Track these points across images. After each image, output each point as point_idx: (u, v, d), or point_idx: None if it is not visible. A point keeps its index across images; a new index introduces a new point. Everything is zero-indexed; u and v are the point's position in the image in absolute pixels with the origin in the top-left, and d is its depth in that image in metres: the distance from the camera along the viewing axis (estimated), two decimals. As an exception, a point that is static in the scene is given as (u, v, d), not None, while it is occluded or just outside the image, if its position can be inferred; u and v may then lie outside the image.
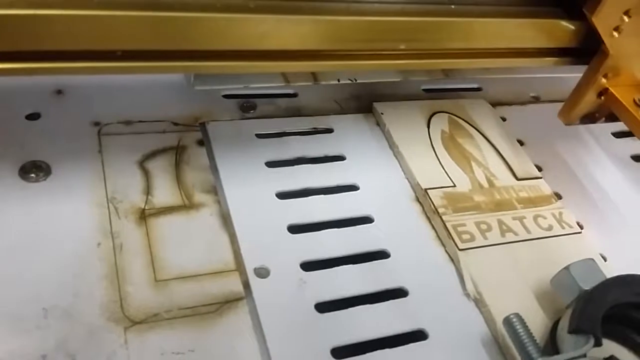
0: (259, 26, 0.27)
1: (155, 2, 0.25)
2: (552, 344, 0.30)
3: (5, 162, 0.33)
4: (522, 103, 0.49)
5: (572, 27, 0.36)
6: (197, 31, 0.26)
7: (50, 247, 0.30)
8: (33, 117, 0.37)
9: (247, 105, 0.42)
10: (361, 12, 0.32)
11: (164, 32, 0.26)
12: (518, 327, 0.29)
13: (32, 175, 0.33)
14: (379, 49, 0.34)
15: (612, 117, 0.40)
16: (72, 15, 0.24)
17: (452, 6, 0.34)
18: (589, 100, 0.38)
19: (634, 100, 0.38)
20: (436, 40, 0.34)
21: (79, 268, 0.30)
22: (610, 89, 0.38)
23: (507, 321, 0.29)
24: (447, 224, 0.36)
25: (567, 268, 0.31)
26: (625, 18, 0.35)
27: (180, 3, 0.27)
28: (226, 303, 0.30)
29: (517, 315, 0.29)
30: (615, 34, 0.35)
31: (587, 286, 0.30)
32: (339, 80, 0.44)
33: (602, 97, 0.38)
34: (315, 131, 0.41)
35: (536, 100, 0.50)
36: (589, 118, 0.40)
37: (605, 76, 0.37)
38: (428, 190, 0.37)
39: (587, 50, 0.38)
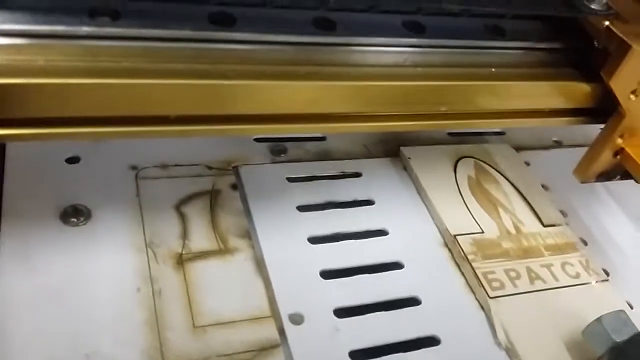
0: (306, 92, 0.28)
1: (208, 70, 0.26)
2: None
3: (47, 206, 0.34)
4: (545, 147, 0.50)
5: (589, 88, 0.36)
6: (250, 97, 0.27)
7: (91, 292, 0.31)
8: (73, 161, 0.38)
9: (277, 149, 0.43)
10: (401, 77, 0.33)
11: (219, 98, 0.26)
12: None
13: (73, 219, 0.34)
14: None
15: (627, 175, 0.40)
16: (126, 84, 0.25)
17: (469, 69, 0.34)
18: (605, 159, 0.39)
19: None
20: (458, 103, 0.35)
21: (119, 313, 0.30)
22: (626, 148, 0.38)
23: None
24: (477, 271, 0.36)
25: (599, 320, 0.32)
26: None
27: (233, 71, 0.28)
28: (262, 350, 0.31)
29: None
30: (632, 97, 0.35)
31: (619, 338, 0.31)
32: (367, 125, 0.45)
33: (618, 157, 0.38)
34: (344, 175, 0.42)
35: (558, 144, 0.51)
36: (605, 176, 0.40)
37: (621, 136, 0.37)
38: (457, 237, 0.38)
39: (603, 110, 0.38)
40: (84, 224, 0.34)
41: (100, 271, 0.32)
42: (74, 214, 0.34)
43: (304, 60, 0.29)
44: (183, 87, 0.25)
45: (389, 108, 0.30)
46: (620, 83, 0.34)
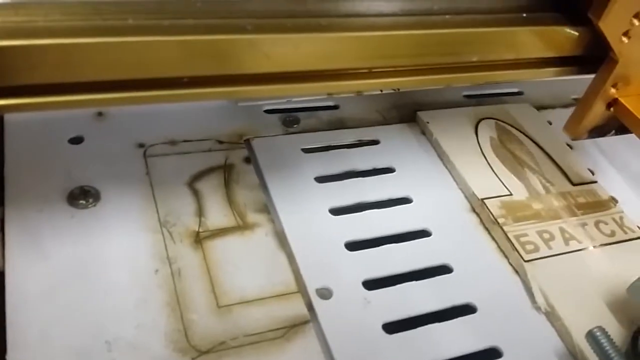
0: (303, 45, 0.26)
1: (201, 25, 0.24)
2: (634, 354, 0.29)
3: (53, 189, 0.32)
4: (565, 106, 0.48)
5: (576, 33, 0.33)
6: (246, 55, 0.25)
7: (107, 276, 0.29)
8: (76, 141, 0.36)
9: (289, 119, 0.41)
10: (406, 26, 0.31)
11: (217, 56, 0.24)
12: (603, 341, 0.27)
13: (82, 201, 0.32)
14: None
15: (622, 130, 0.37)
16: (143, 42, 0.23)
17: (447, 16, 0.32)
18: (597, 112, 0.35)
19: None
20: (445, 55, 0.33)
21: (138, 297, 0.29)
22: (620, 99, 0.35)
23: (591, 335, 0.28)
24: (508, 234, 0.34)
25: (644, 276, 0.30)
26: (636, 21, 0.32)
27: (231, 25, 0.26)
28: (292, 327, 0.29)
29: (601, 328, 0.28)
30: (625, 39, 0.32)
31: (667, 293, 0.29)
32: (381, 91, 0.43)
33: (612, 109, 0.35)
34: (361, 143, 0.40)
35: (577, 102, 0.49)
36: (598, 131, 0.37)
37: (614, 86, 0.34)
38: (485, 200, 0.36)
39: (593, 58, 0.35)
40: (93, 206, 0.32)
41: (114, 254, 0.30)
42: (82, 196, 0.32)
43: (318, 12, 0.27)
44: (196, 44, 0.23)
45: (392, 61, 0.28)
46: (611, 24, 0.31)
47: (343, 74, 0.34)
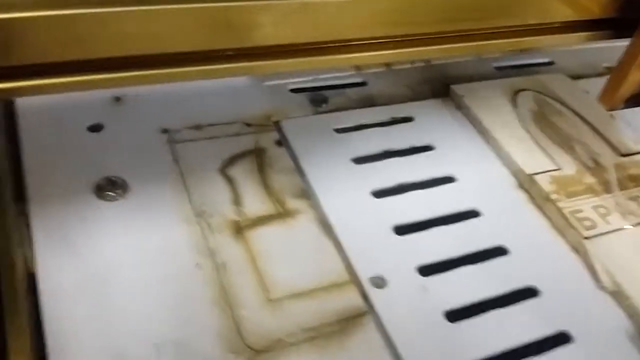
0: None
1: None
2: None
3: (77, 181, 0.30)
4: (599, 74, 0.46)
5: None
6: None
7: (146, 273, 0.27)
8: (95, 128, 0.33)
9: (317, 98, 0.38)
10: None
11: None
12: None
13: (110, 193, 0.29)
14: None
15: None
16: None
17: None
18: (634, 80, 0.33)
19: None
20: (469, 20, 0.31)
21: (181, 294, 0.26)
22: None
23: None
24: (563, 211, 0.32)
25: None
26: None
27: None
28: (349, 320, 0.27)
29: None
30: None
31: None
32: (412, 63, 0.41)
33: None
34: (394, 121, 0.38)
35: (610, 70, 0.47)
36: (635, 101, 0.35)
37: None
38: (534, 176, 0.34)
39: (628, 20, 0.33)
40: (123, 197, 0.30)
41: (150, 248, 0.28)
42: (110, 187, 0.30)
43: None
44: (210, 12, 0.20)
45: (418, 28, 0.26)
46: None
47: (369, 43, 0.32)
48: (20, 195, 0.29)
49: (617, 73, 0.33)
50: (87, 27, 0.23)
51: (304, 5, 0.28)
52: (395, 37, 0.32)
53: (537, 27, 0.35)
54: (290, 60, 0.30)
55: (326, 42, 0.31)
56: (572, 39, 0.35)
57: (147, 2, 0.24)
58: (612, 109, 0.36)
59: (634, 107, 0.37)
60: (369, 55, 0.32)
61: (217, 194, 0.31)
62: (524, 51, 0.44)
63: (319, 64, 0.31)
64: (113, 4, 0.24)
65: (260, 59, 0.29)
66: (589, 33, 0.34)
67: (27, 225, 0.27)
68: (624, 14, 0.32)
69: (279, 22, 0.28)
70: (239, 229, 0.29)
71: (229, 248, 0.28)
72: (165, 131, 0.34)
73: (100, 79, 0.26)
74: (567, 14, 0.33)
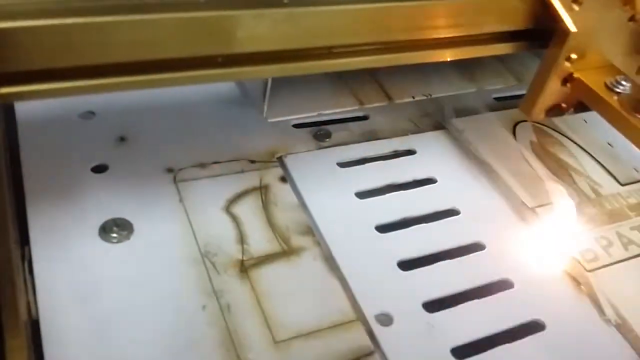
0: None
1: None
2: None
3: (83, 223, 0.30)
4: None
5: (524, 4, 0.31)
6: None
7: (152, 315, 0.27)
8: (100, 169, 0.33)
9: (320, 133, 0.39)
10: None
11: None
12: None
13: (114, 235, 0.30)
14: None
15: (582, 107, 0.34)
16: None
17: None
18: (553, 89, 0.32)
19: (606, 84, 0.32)
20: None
21: (188, 337, 0.26)
22: (576, 73, 0.32)
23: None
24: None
25: None
26: None
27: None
28: (357, 359, 0.27)
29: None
30: (575, 6, 0.30)
31: None
32: (413, 98, 0.41)
33: (568, 85, 0.33)
34: (397, 154, 0.38)
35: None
36: (556, 110, 0.35)
37: (568, 59, 0.32)
38: (536, 209, 0.34)
39: (544, 31, 0.32)
40: (128, 239, 0.30)
41: (156, 291, 0.28)
42: (114, 229, 0.30)
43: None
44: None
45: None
46: None
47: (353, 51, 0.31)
48: (24, 239, 0.29)
49: (536, 83, 0.33)
50: (79, 36, 0.24)
51: (290, 14, 0.28)
52: (377, 43, 0.32)
53: (459, 40, 0.34)
54: (275, 67, 0.30)
55: (311, 49, 0.30)
56: (495, 49, 0.35)
57: (139, 11, 0.24)
58: (534, 119, 0.35)
59: (555, 116, 0.36)
60: (353, 61, 0.31)
61: (221, 233, 0.31)
62: (523, 82, 0.44)
63: (305, 69, 0.31)
64: (105, 14, 0.24)
65: (247, 64, 0.29)
66: (511, 44, 0.34)
67: (31, 270, 0.27)
68: (541, 24, 0.33)
69: (267, 30, 0.28)
70: (244, 269, 0.30)
71: (234, 288, 0.29)
72: (170, 170, 0.34)
73: (91, 85, 0.26)
74: (490, 27, 0.33)
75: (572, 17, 0.30)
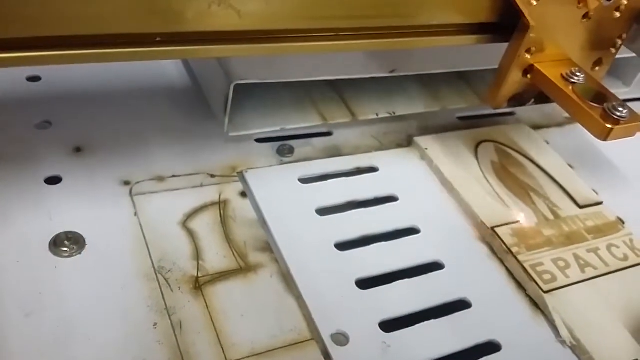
0: None
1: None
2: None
3: (33, 237, 0.29)
4: (559, 124, 0.47)
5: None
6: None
7: (101, 332, 0.26)
8: (53, 181, 0.32)
9: (283, 148, 0.38)
10: None
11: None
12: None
13: (65, 249, 0.29)
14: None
15: (542, 98, 0.37)
16: None
17: None
18: (515, 80, 0.35)
19: (562, 76, 0.34)
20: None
21: (138, 356, 0.25)
22: (535, 65, 0.34)
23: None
24: (524, 264, 0.33)
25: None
26: None
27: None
28: (310, 380, 0.26)
29: (640, 364, 0.26)
30: (534, 1, 0.32)
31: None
32: (377, 115, 0.41)
33: (528, 76, 0.35)
34: (359, 171, 0.38)
35: (571, 120, 0.48)
36: (517, 100, 0.37)
37: (528, 51, 0.34)
38: (495, 229, 0.35)
39: (507, 25, 0.34)
40: (79, 253, 0.29)
41: (106, 307, 0.27)
42: (66, 243, 0.29)
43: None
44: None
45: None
46: None
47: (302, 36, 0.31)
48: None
49: (499, 73, 0.35)
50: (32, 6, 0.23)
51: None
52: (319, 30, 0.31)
53: (422, 30, 0.34)
54: (223, 47, 0.29)
55: (256, 32, 0.29)
56: (459, 40, 0.35)
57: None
58: (496, 107, 0.37)
59: (517, 106, 0.38)
60: (300, 46, 0.31)
61: (176, 249, 0.30)
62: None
63: (248, 51, 0.30)
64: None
65: (192, 44, 0.28)
66: (475, 36, 0.35)
67: (-23, 284, 0.26)
68: (504, 19, 0.34)
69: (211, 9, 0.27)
70: (198, 286, 0.29)
71: (187, 306, 0.28)
72: (127, 183, 0.33)
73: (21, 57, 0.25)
74: (456, 18, 0.34)
75: (531, 12, 0.32)
